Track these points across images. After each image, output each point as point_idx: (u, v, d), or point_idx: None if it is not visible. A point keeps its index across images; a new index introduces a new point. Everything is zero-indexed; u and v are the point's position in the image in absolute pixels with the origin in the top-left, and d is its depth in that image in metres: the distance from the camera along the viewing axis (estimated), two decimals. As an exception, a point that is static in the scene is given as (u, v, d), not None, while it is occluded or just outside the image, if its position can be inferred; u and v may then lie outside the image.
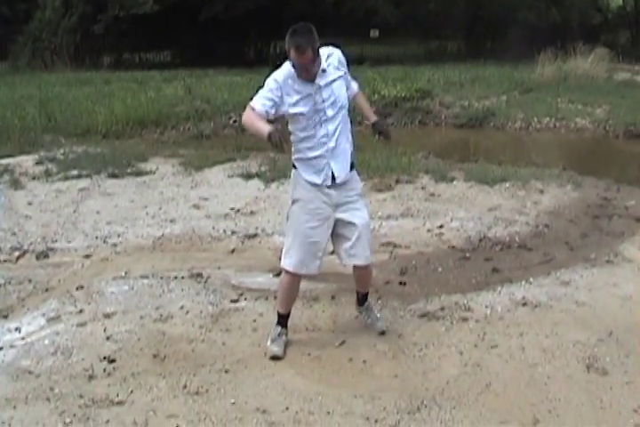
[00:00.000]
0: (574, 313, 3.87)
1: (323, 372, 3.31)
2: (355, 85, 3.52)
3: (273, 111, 3.16)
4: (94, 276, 4.61)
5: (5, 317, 4.01)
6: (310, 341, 3.62)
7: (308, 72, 3.15)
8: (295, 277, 3.45)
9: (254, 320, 3.85)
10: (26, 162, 8.13)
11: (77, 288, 4.36)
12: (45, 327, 3.83)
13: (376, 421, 2.90)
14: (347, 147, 3.34)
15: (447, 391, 3.10)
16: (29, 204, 6.44)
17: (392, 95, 12.01)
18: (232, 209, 6.08)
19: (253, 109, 3.16)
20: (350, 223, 3.37)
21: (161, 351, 3.52)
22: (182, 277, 4.50)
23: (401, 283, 4.40)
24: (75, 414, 2.97)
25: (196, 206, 6.23)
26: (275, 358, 3.41)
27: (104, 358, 3.45)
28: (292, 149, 3.37)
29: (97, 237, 5.42)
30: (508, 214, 5.77)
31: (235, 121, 11.27)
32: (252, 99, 3.22)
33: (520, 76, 14.67)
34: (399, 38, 23.93)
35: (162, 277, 4.49)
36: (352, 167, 3.41)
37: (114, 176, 7.33)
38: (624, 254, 4.80)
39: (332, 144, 3.27)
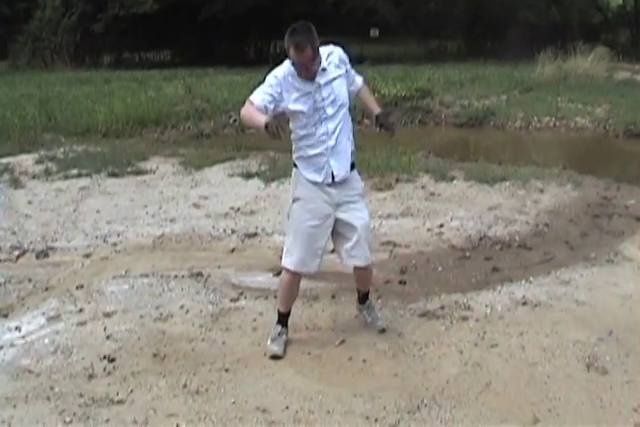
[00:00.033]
0: (574, 312, 3.87)
1: (323, 371, 3.31)
2: (359, 80, 3.50)
3: (272, 107, 3.14)
4: (94, 275, 4.61)
5: (5, 316, 4.01)
6: (310, 340, 3.62)
7: (308, 70, 3.15)
8: (295, 276, 3.45)
9: (254, 319, 3.85)
10: (26, 161, 8.14)
11: (77, 287, 4.36)
12: (45, 326, 3.83)
13: (376, 420, 2.90)
14: (347, 146, 3.34)
15: (447, 390, 3.10)
16: (29, 203, 6.45)
17: (392, 95, 12.00)
18: (232, 208, 6.08)
19: (252, 104, 3.14)
20: (350, 224, 3.37)
21: (161, 350, 3.52)
22: (182, 277, 4.50)
23: (401, 282, 4.40)
24: (75, 413, 2.97)
25: (196, 206, 6.23)
26: (274, 357, 3.41)
27: (104, 357, 3.45)
28: (293, 148, 3.37)
29: (97, 237, 5.42)
30: (508, 214, 5.77)
31: (235, 120, 11.27)
32: (252, 92, 3.22)
33: (520, 75, 14.68)
34: (399, 38, 23.93)
35: (162, 277, 4.50)
36: (353, 167, 3.40)
37: (114, 175, 7.33)
38: (624, 253, 4.80)
39: (331, 142, 3.26)
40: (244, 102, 3.19)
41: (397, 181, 6.72)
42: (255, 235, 5.39)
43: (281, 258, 3.49)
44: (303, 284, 3.62)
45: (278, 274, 3.97)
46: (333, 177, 3.31)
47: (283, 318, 3.56)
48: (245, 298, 4.15)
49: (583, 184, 6.66)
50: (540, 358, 3.37)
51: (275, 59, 3.46)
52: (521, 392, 3.08)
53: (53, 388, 3.18)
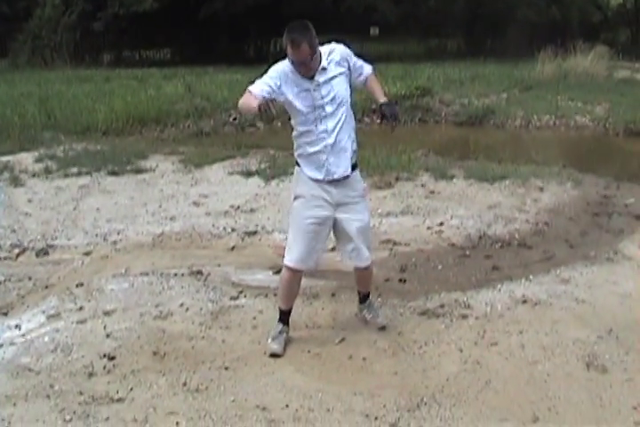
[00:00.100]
0: (574, 311, 3.87)
1: (322, 369, 3.31)
2: (368, 68, 3.44)
3: (270, 98, 3.10)
4: (94, 273, 4.61)
5: (5, 314, 4.01)
6: (310, 338, 3.62)
7: (306, 68, 3.14)
8: (295, 273, 3.45)
9: (254, 318, 3.85)
10: (26, 159, 8.13)
11: (77, 285, 4.35)
12: (45, 325, 3.83)
13: (376, 418, 2.90)
14: (348, 144, 3.33)
15: (447, 389, 3.10)
16: (29, 201, 6.44)
17: (392, 93, 11.96)
18: (232, 206, 6.07)
19: (250, 93, 3.14)
20: (350, 225, 3.37)
21: (161, 349, 3.52)
22: (182, 275, 4.50)
23: (401, 280, 4.40)
24: (74, 412, 2.97)
25: (196, 204, 6.23)
26: (274, 355, 3.41)
27: (104, 355, 3.45)
28: (294, 146, 3.38)
29: (97, 235, 5.42)
30: (508, 212, 5.77)
31: (235, 118, 11.28)
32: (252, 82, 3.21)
33: (520, 73, 14.67)
34: (399, 36, 23.91)
35: (162, 275, 4.49)
36: (355, 168, 3.40)
37: (114, 174, 7.33)
38: (624, 252, 4.80)
39: (330, 140, 3.26)
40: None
41: (397, 179, 6.72)
42: (255, 233, 5.39)
43: (282, 256, 3.49)
44: (303, 282, 3.61)
45: (278, 272, 3.97)
46: (333, 175, 3.30)
47: (284, 316, 3.56)
48: (245, 296, 4.15)
49: (583, 183, 6.66)
50: (540, 356, 3.37)
51: (274, 57, 3.45)
52: (521, 391, 3.08)
53: (53, 386, 3.18)
